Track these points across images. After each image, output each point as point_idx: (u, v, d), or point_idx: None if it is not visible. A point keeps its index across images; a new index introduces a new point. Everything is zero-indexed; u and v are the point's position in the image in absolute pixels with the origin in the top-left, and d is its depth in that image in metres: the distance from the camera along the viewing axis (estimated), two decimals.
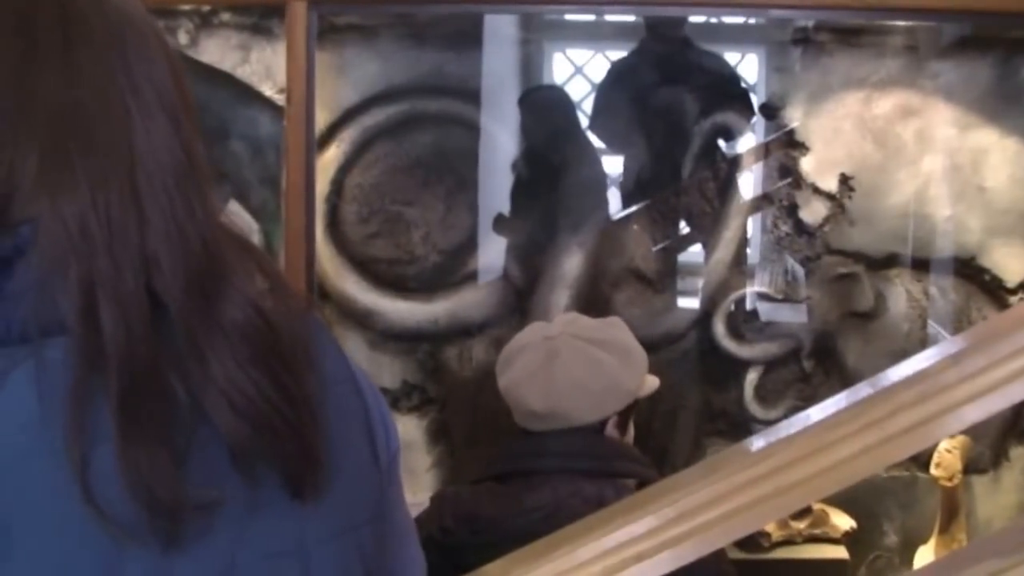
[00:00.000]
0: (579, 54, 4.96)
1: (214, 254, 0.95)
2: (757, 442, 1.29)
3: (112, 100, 0.93)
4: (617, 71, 4.61)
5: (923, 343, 4.21)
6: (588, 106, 4.74)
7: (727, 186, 4.46)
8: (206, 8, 4.12)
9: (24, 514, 0.84)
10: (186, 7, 3.97)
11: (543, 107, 4.59)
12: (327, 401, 1.01)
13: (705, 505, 1.21)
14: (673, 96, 4.44)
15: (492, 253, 4.46)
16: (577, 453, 2.16)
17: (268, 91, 4.21)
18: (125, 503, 0.85)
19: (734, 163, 4.49)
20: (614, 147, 4.61)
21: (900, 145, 4.23)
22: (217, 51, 4.19)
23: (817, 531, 3.85)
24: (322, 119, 4.02)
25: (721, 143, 4.49)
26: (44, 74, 0.91)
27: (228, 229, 0.99)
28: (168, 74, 0.98)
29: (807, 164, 4.32)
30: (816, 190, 4.31)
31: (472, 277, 4.44)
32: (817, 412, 1.27)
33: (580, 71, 4.97)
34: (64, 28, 0.92)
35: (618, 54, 4.69)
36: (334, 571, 1.01)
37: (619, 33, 4.72)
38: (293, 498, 0.96)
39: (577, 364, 2.18)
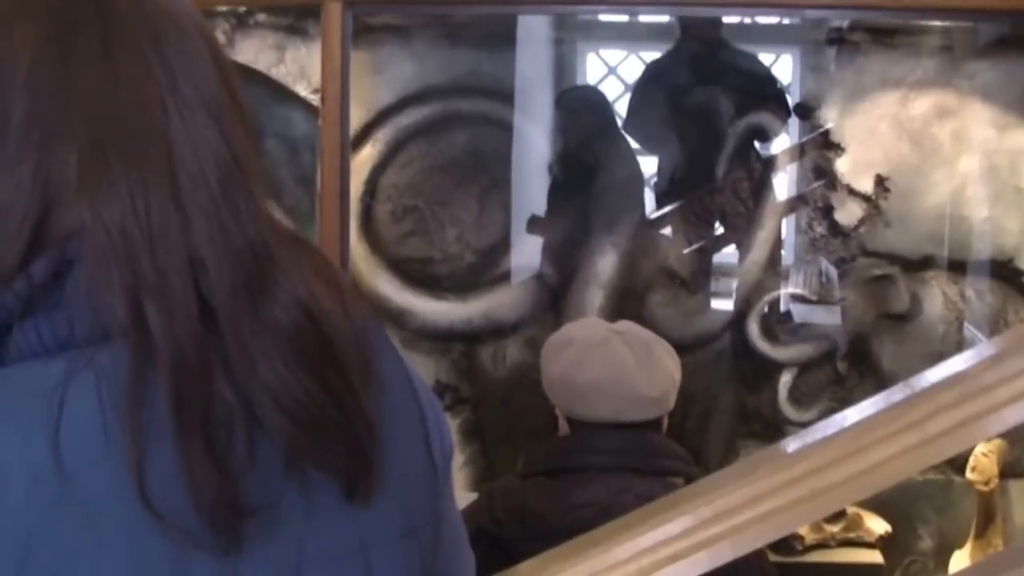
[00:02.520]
0: (612, 54, 4.96)
1: (261, 254, 0.93)
2: (793, 444, 1.29)
3: (150, 100, 0.91)
4: (653, 71, 4.61)
5: (959, 346, 4.18)
6: (621, 106, 4.73)
7: (762, 187, 4.45)
8: (242, 9, 4.15)
9: (92, 521, 0.84)
10: (222, 8, 3.99)
11: (580, 107, 4.60)
12: (384, 403, 1.00)
13: (741, 506, 1.21)
14: (708, 96, 4.43)
15: (525, 253, 4.46)
16: (628, 451, 2.18)
17: (303, 91, 4.23)
18: (184, 507, 0.85)
19: (769, 164, 4.48)
20: (649, 147, 4.60)
21: (936, 146, 4.21)
22: (253, 51, 4.21)
23: (851, 535, 3.82)
24: (357, 119, 4.02)
25: (756, 144, 4.48)
26: (82, 76, 0.90)
27: (280, 227, 0.98)
28: (212, 72, 0.96)
29: (842, 165, 4.30)
30: (851, 191, 4.29)
31: (505, 277, 4.44)
32: (853, 414, 1.26)
33: (613, 71, 4.97)
34: (102, 27, 0.91)
35: (651, 54, 4.69)
36: (395, 573, 1.01)
37: (652, 33, 4.71)
38: (346, 500, 0.96)
39: (668, 355, 2.28)
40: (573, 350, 2.26)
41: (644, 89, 4.59)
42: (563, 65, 4.77)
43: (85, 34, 0.91)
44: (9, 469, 0.83)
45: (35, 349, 0.88)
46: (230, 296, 0.90)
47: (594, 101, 4.62)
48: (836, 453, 1.21)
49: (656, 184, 4.60)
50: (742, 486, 1.22)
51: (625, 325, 2.34)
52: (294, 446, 0.92)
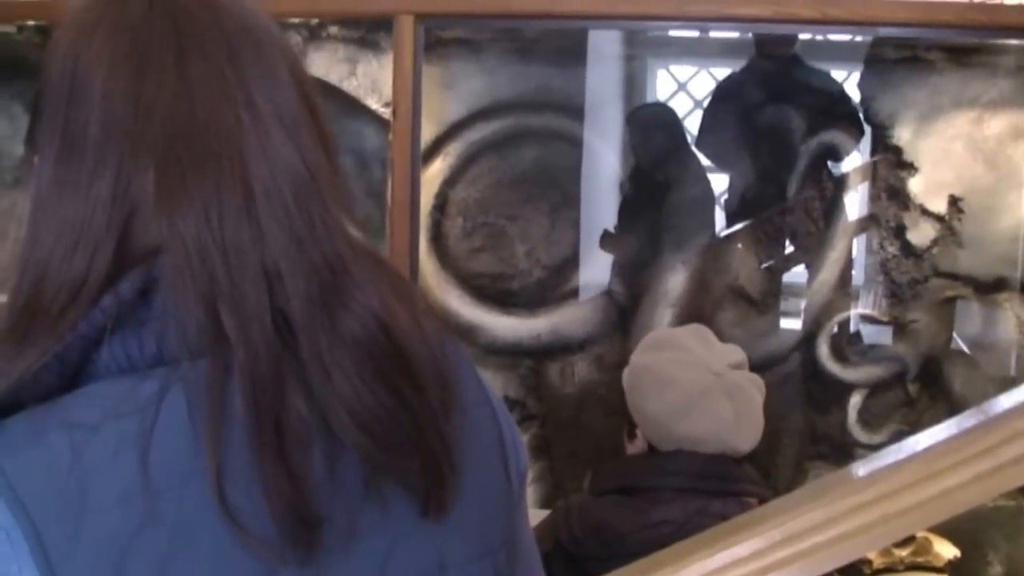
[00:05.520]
0: (683, 70, 4.96)
1: (336, 266, 0.94)
2: (864, 467, 1.28)
3: (224, 114, 0.92)
4: (725, 88, 4.60)
5: None
6: (690, 123, 4.72)
7: (833, 206, 4.42)
8: (314, 21, 4.18)
9: (184, 538, 0.85)
10: (295, 20, 4.03)
11: (651, 124, 4.59)
12: (464, 423, 1.00)
13: (811, 529, 1.19)
14: (780, 114, 4.40)
15: (594, 269, 4.46)
16: (705, 474, 2.17)
17: (374, 104, 4.26)
18: (264, 518, 0.86)
19: (840, 183, 4.44)
20: (721, 165, 4.59)
21: (1012, 167, 4.16)
22: (324, 64, 4.24)
23: (919, 559, 3.78)
24: (428, 133, 4.04)
25: (828, 162, 4.45)
26: (158, 89, 0.91)
27: (357, 242, 0.98)
28: (290, 87, 0.97)
29: (915, 185, 4.26)
30: (924, 211, 4.25)
31: (574, 293, 4.44)
32: (926, 438, 1.25)
33: (683, 88, 4.96)
34: (177, 43, 0.93)
35: (721, 71, 4.68)
36: None
37: (723, 50, 4.71)
38: (421, 515, 0.96)
39: (760, 397, 2.24)
40: (675, 396, 2.19)
41: (716, 106, 4.58)
42: (633, 81, 4.77)
43: (159, 49, 0.92)
44: (98, 488, 0.84)
45: (123, 366, 0.90)
46: (305, 307, 0.91)
47: (665, 118, 4.61)
48: (908, 478, 1.19)
49: (727, 201, 4.58)
50: (812, 509, 1.21)
51: (721, 361, 2.23)
52: (370, 459, 0.92)
